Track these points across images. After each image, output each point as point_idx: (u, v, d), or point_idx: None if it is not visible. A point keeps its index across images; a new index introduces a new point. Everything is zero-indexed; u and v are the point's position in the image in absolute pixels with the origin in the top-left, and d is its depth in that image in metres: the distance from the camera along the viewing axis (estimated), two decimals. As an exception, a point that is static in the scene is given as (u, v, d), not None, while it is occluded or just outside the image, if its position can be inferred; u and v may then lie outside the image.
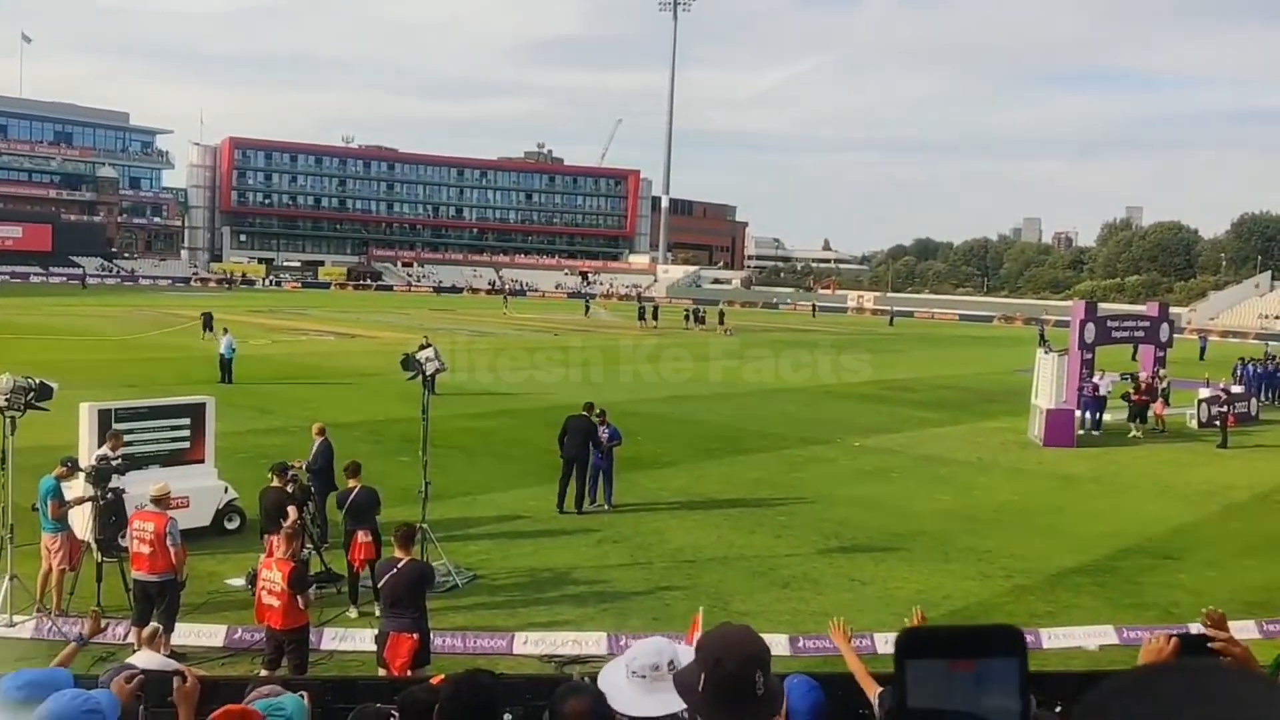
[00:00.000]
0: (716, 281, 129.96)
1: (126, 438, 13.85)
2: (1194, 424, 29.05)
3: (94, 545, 12.11)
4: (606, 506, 17.27)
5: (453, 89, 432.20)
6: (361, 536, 12.11)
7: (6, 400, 11.16)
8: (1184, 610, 13.01)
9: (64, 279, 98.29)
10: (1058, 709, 5.36)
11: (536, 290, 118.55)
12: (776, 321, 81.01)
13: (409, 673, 8.63)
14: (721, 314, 66.76)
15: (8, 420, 11.21)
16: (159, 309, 60.98)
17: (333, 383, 32.13)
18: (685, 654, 3.43)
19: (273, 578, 9.56)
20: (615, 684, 3.45)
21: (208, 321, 45.64)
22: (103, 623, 6.89)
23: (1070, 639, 11.80)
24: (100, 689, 4.32)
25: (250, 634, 10.84)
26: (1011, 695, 0.83)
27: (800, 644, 11.31)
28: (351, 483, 12.63)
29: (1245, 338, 66.57)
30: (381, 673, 9.03)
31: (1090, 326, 29.06)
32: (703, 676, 2.53)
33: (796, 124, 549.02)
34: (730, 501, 18.25)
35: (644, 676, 3.31)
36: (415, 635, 9.03)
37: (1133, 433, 27.54)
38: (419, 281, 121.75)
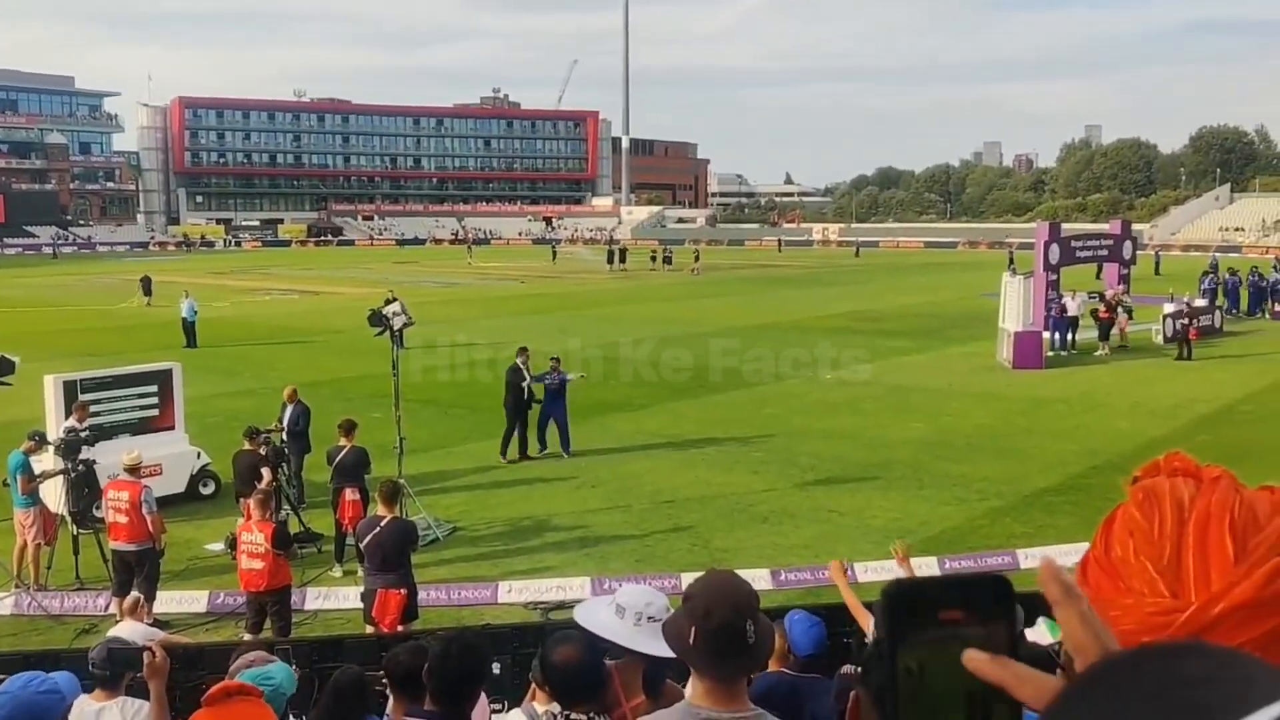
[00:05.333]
0: (681, 221, 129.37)
1: (94, 408, 13.72)
2: (1160, 339, 29.36)
3: (69, 518, 12.03)
4: (565, 455, 17.04)
5: (405, 37, 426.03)
6: (350, 495, 12.00)
7: (-32, 377, 10.98)
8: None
9: (19, 250, 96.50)
10: (1038, 623, 5.49)
11: (500, 238, 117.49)
12: (742, 258, 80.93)
13: (399, 629, 8.64)
14: (697, 254, 66.55)
15: (-29, 397, 11.04)
16: (119, 275, 60.05)
17: (299, 342, 31.85)
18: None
19: (255, 539, 9.54)
20: (608, 624, 3.44)
21: (147, 285, 44.06)
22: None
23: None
24: (59, 672, 4.32)
25: (233, 598, 10.82)
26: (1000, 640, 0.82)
27: (782, 577, 11.44)
28: (343, 441, 12.46)
29: (1206, 251, 67.06)
30: (369, 630, 9.05)
31: (1055, 247, 29.23)
32: (693, 629, 2.50)
33: (754, 58, 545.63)
34: (706, 440, 18.30)
35: (651, 620, 3.32)
36: (403, 590, 9.03)
37: (1100, 351, 27.83)
38: (380, 235, 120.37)
